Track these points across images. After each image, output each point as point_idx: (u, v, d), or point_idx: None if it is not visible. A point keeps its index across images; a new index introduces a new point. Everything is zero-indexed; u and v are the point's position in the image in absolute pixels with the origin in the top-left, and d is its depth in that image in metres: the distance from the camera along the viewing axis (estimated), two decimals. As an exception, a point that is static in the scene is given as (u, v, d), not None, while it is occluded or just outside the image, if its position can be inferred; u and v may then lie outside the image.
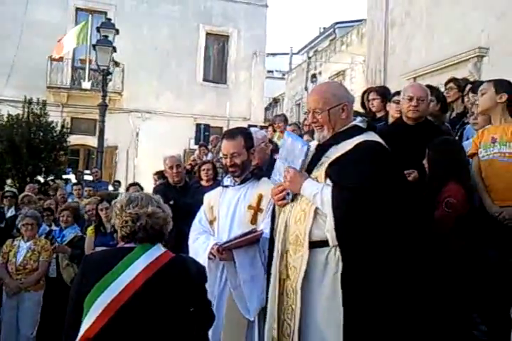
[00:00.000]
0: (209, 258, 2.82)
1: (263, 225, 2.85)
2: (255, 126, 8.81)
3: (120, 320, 1.99)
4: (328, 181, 2.33)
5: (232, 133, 3.07)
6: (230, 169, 2.99)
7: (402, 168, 2.78)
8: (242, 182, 3.02)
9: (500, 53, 8.94)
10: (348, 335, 2.18)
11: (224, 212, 3.01)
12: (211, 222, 3.05)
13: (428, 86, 4.40)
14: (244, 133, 3.08)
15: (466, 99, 4.25)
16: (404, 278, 2.22)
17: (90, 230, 5.27)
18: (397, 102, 4.16)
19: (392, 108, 4.14)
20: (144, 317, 2.00)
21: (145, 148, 16.52)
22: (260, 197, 2.96)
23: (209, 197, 3.17)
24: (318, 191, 2.29)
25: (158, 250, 2.14)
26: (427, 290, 2.40)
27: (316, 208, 2.30)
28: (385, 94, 4.45)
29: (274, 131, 7.41)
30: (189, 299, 2.12)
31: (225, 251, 2.77)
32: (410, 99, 3.36)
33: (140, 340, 2.00)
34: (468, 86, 4.38)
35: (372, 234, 2.20)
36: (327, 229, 2.27)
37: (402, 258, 2.23)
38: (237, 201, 2.99)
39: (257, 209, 2.96)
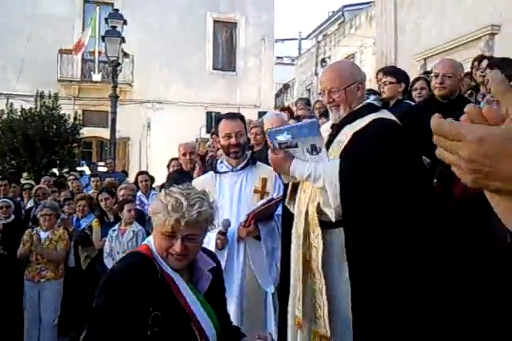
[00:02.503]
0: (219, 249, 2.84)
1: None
2: (266, 112, 8.77)
3: None
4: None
5: (233, 115, 3.16)
6: (234, 149, 2.99)
7: (421, 146, 2.76)
8: (243, 167, 3.04)
9: (512, 30, 8.79)
10: (356, 312, 2.20)
11: (227, 198, 3.00)
12: None
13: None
14: (242, 117, 3.16)
15: (479, 72, 4.17)
16: (409, 253, 2.23)
17: (95, 222, 5.36)
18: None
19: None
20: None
21: (157, 138, 16.59)
22: (264, 181, 3.01)
23: (200, 184, 3.01)
24: (311, 171, 2.28)
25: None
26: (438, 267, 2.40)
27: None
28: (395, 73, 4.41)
29: (292, 115, 7.25)
30: (149, 294, 1.65)
31: (251, 225, 2.84)
32: (436, 76, 3.30)
33: None
34: (485, 61, 4.30)
35: (378, 206, 2.20)
36: (323, 203, 2.27)
37: (408, 232, 2.24)
38: (240, 185, 3.01)
39: (262, 193, 3.00)
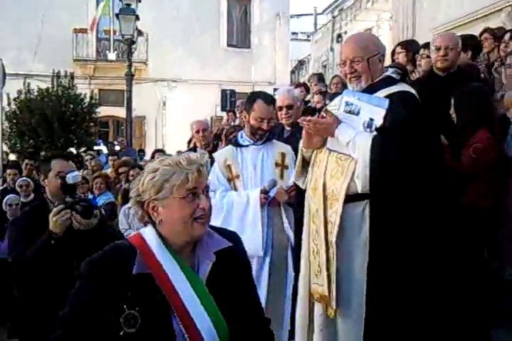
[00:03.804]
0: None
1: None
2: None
3: None
4: None
5: (271, 99, 3.24)
6: (262, 132, 3.15)
7: (435, 121, 2.78)
8: (265, 141, 3.20)
9: (535, 1, 8.51)
10: (372, 284, 2.24)
11: (250, 170, 3.16)
12: (230, 180, 3.18)
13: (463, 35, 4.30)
14: (275, 101, 3.30)
15: (502, 47, 4.13)
16: (429, 229, 2.25)
17: (120, 198, 5.41)
18: (426, 56, 4.09)
19: (421, 62, 4.10)
20: None
21: (172, 116, 16.62)
22: (283, 155, 3.17)
23: (223, 156, 3.26)
24: (351, 138, 2.29)
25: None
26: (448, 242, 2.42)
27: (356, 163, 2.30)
28: (410, 47, 4.35)
29: (307, 91, 7.18)
30: (120, 291, 1.46)
31: (293, 191, 3.00)
32: (438, 49, 3.32)
33: None
34: (508, 34, 4.26)
35: (404, 181, 2.23)
36: (357, 176, 2.27)
37: (430, 206, 2.26)
38: (262, 158, 3.17)
39: (283, 166, 3.16)
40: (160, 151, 7.01)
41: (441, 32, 10.69)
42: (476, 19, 9.73)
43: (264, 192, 3.03)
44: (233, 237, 1.68)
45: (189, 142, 6.28)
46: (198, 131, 4.64)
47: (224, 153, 3.31)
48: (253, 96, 3.25)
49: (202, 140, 4.64)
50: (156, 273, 1.49)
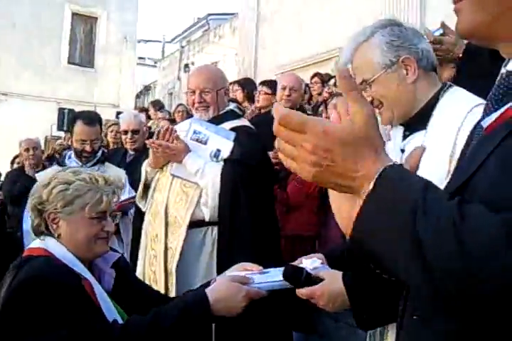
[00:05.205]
0: None
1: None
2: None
3: None
4: None
5: (91, 120, 3.11)
6: (87, 155, 3.04)
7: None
8: (95, 164, 3.09)
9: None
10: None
11: None
12: None
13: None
14: (100, 121, 3.22)
15: (325, 90, 4.61)
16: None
17: None
18: (264, 93, 4.36)
19: (259, 98, 4.34)
20: None
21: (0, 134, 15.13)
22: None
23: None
24: (200, 167, 2.36)
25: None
26: None
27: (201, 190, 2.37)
28: (245, 85, 4.62)
29: (149, 117, 7.23)
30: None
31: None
32: (283, 89, 3.54)
33: None
34: (333, 80, 4.79)
35: (248, 208, 2.38)
36: (204, 203, 2.34)
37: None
38: None
39: None
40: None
41: (279, 72, 11.56)
42: (310, 65, 10.72)
43: None
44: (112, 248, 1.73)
45: (12, 162, 5.76)
46: (27, 150, 4.34)
47: (48, 175, 3.10)
48: (74, 117, 3.19)
49: (31, 159, 4.33)
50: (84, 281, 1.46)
